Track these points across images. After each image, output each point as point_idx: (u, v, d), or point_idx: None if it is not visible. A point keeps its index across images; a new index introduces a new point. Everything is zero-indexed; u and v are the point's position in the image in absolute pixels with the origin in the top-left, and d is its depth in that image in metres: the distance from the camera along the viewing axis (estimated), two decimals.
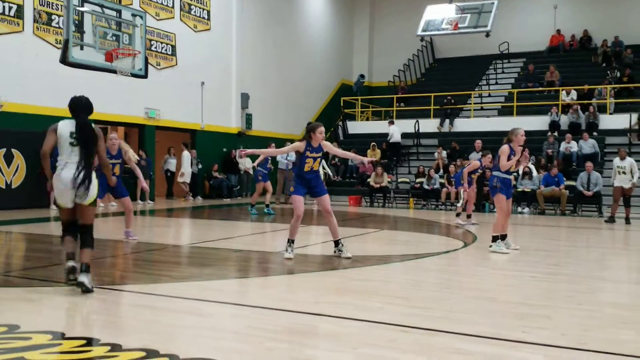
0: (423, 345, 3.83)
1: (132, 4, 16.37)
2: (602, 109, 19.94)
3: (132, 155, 8.82)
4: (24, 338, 3.81)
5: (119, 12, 11.65)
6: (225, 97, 20.53)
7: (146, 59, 11.88)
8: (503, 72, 25.02)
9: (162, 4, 18.20)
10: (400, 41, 26.48)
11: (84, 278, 5.06)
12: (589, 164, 15.19)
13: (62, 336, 3.91)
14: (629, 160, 12.94)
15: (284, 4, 23.57)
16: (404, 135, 21.08)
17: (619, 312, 4.85)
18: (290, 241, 7.19)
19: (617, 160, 13.06)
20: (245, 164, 19.73)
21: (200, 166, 19.20)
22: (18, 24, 14.33)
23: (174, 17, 18.63)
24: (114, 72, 11.45)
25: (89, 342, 3.77)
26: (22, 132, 13.90)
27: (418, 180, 18.03)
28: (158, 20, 17.99)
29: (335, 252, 7.31)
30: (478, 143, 15.63)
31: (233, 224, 12.10)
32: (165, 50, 18.31)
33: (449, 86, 23.78)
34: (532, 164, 16.58)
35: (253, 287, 5.95)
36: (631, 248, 9.91)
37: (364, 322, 4.29)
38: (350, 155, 8.61)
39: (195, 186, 18.91)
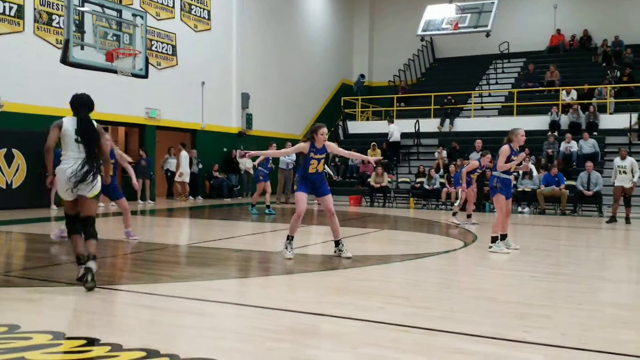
0: (423, 345, 3.83)
1: (132, 4, 16.37)
2: (602, 108, 19.94)
3: (123, 154, 8.98)
4: (24, 338, 3.81)
5: (119, 12, 11.65)
6: (225, 97, 20.53)
7: (147, 59, 11.88)
8: (503, 72, 25.02)
9: (162, 4, 18.20)
10: (401, 41, 26.49)
11: (91, 264, 5.24)
12: (589, 164, 15.19)
13: (63, 336, 3.91)
14: (630, 160, 12.94)
15: (284, 4, 23.57)
16: (405, 135, 21.08)
17: (619, 312, 4.85)
18: (290, 238, 7.19)
19: (617, 160, 13.05)
20: (246, 163, 19.72)
21: (200, 166, 19.21)
22: (18, 23, 14.34)
23: (174, 17, 18.63)
24: (115, 72, 11.45)
25: (90, 342, 3.77)
26: (23, 132, 13.91)
27: (418, 180, 18.03)
28: (158, 20, 17.99)
29: (335, 251, 7.31)
30: (478, 143, 15.63)
31: (234, 224, 12.10)
32: (166, 50, 18.31)
33: (449, 86, 23.78)
34: (532, 163, 16.59)
35: (254, 287, 5.95)
36: (631, 248, 9.90)
37: (364, 322, 4.29)
38: (354, 155, 8.58)
39: (196, 186, 18.92)
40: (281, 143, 15.62)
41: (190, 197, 18.49)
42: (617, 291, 5.91)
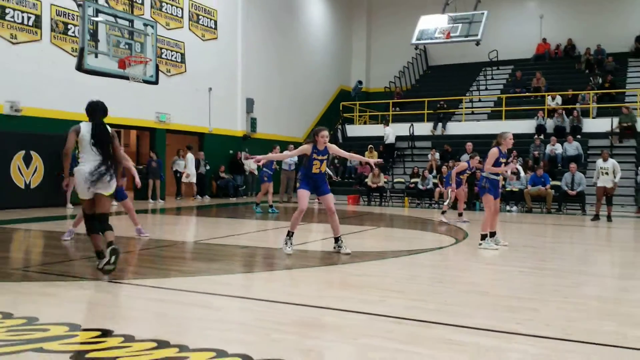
0: (419, 336, 3.82)
1: (143, 14, 16.36)
2: (585, 113, 19.93)
3: (125, 155, 8.97)
4: (42, 329, 3.80)
5: (131, 22, 11.62)
6: (231, 102, 20.53)
7: (157, 66, 11.86)
8: (492, 79, 25.04)
9: (172, 14, 18.20)
10: (396, 49, 26.49)
11: (115, 247, 5.49)
12: (572, 165, 15.19)
13: (79, 328, 3.90)
14: (611, 162, 12.93)
15: (286, 15, 23.57)
16: (400, 138, 21.08)
17: (603, 305, 4.85)
18: (290, 233, 7.18)
19: (600, 162, 13.04)
20: (251, 165, 19.71)
21: (208, 167, 19.20)
22: (36, 33, 14.33)
23: (183, 27, 18.63)
24: (127, 78, 11.43)
25: (104, 333, 3.76)
26: (40, 135, 13.91)
27: (413, 180, 18.02)
28: (168, 29, 17.98)
29: (335, 248, 7.30)
30: (469, 145, 15.62)
31: (239, 222, 12.09)
32: (175, 57, 18.30)
33: (441, 92, 23.75)
34: (519, 165, 16.59)
35: (258, 281, 5.93)
36: (613, 244, 9.89)
37: (364, 315, 4.29)
38: (355, 156, 8.54)
39: (204, 186, 18.91)
40: (284, 146, 15.64)
41: (198, 196, 18.49)
42: (601, 285, 5.90)
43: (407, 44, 17.72)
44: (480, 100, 23.53)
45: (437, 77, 27.01)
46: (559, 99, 20.61)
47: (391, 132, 20.73)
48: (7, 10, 13.67)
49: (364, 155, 18.45)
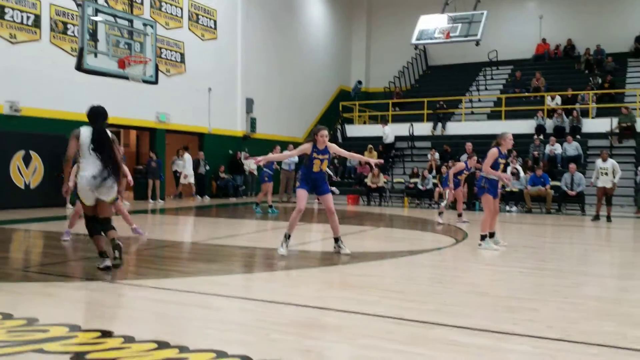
0: (419, 337, 3.82)
1: (143, 14, 16.34)
2: (585, 113, 19.94)
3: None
4: (42, 330, 3.80)
5: (130, 21, 11.61)
6: (231, 102, 20.52)
7: (156, 66, 11.84)
8: (492, 79, 25.03)
9: (171, 14, 18.19)
10: (396, 49, 26.49)
11: (117, 242, 5.65)
12: (572, 165, 15.20)
13: (79, 328, 3.90)
14: (611, 162, 12.93)
15: (286, 15, 23.56)
16: (400, 138, 21.08)
17: (602, 305, 4.85)
18: (287, 236, 7.17)
19: (599, 162, 13.04)
20: (250, 165, 19.71)
21: (207, 167, 19.19)
22: (36, 32, 14.32)
23: (182, 27, 18.62)
24: (126, 78, 11.42)
25: (104, 333, 3.76)
26: (40, 135, 13.90)
27: (412, 180, 18.02)
28: (168, 29, 17.98)
29: (335, 248, 7.30)
30: (468, 145, 15.62)
31: (239, 222, 12.09)
32: (175, 57, 18.29)
33: (441, 92, 23.75)
34: (519, 165, 16.59)
35: (258, 281, 5.93)
36: (613, 244, 9.89)
37: (363, 315, 4.29)
38: (355, 156, 8.52)
39: (203, 186, 18.90)
40: (284, 146, 15.64)
41: (198, 196, 18.48)
42: (601, 285, 5.90)
43: (407, 44, 17.73)
44: (479, 101, 23.53)
45: (437, 77, 27.00)
46: (558, 99, 20.62)
47: (390, 131, 20.73)
48: (6, 10, 13.67)
49: (363, 156, 18.47)
